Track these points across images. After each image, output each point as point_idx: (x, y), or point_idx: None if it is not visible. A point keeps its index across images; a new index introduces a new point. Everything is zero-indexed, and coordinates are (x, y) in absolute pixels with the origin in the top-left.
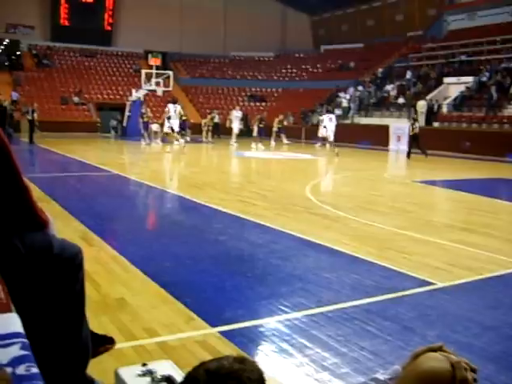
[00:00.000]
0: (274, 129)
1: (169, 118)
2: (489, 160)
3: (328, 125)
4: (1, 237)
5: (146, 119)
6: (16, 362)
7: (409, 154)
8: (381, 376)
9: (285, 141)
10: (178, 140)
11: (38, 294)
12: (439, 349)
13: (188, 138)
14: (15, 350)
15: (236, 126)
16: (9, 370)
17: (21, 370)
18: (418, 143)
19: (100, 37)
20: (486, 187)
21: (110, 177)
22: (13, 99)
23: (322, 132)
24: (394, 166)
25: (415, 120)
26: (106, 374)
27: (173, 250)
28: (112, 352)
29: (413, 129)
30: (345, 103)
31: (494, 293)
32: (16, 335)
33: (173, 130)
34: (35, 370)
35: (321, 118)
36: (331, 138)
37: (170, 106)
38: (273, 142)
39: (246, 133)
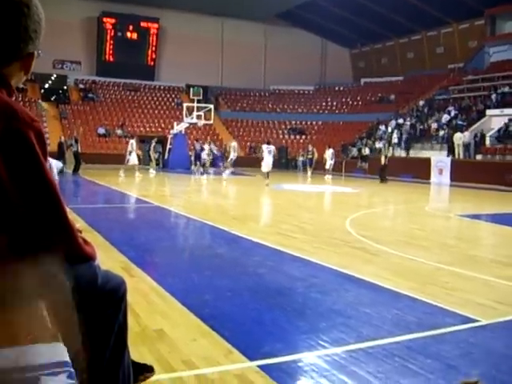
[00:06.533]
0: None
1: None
2: None
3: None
4: None
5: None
6: None
7: (382, 180)
8: None
9: (309, 173)
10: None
11: (82, 324)
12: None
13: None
14: (62, 379)
15: (329, 163)
16: None
17: None
18: (385, 171)
19: (143, 72)
20: None
21: (150, 208)
22: (99, 133)
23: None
24: (435, 200)
25: (385, 155)
26: None
27: (212, 282)
28: (150, 383)
29: (383, 161)
30: (395, 139)
31: None
32: (63, 364)
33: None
34: None
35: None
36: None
37: (264, 146)
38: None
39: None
